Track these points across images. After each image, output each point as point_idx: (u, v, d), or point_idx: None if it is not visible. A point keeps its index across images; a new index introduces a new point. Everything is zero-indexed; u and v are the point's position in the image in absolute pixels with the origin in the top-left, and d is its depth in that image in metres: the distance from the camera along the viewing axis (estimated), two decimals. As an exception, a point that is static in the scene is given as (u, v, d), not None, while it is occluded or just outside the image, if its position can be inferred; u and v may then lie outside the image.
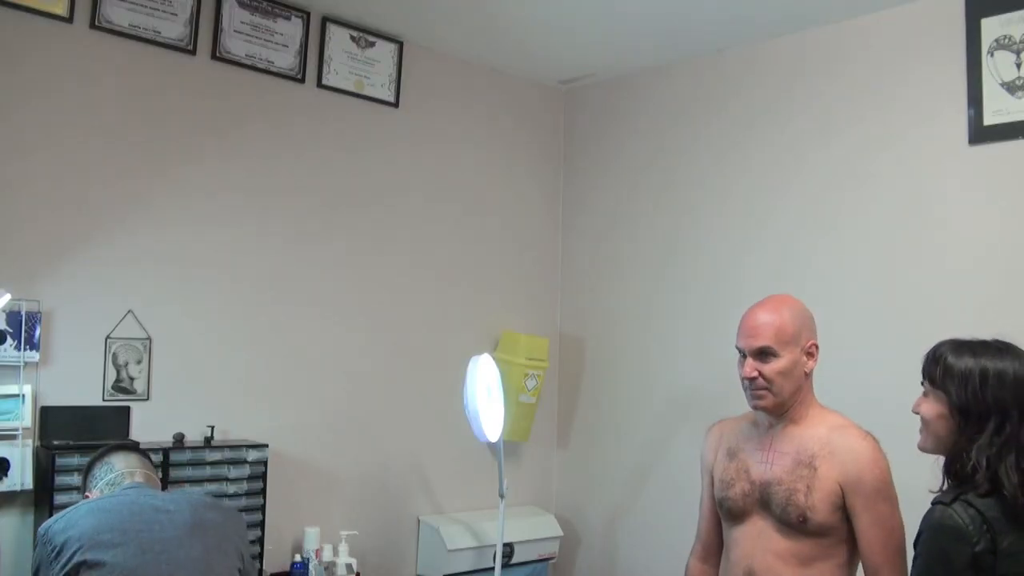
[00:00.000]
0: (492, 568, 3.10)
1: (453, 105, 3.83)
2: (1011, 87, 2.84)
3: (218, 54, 3.15)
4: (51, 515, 2.13)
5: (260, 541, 2.96)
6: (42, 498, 2.63)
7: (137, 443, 2.49)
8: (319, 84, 3.41)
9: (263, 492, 2.98)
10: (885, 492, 1.99)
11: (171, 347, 3.01)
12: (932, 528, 1.68)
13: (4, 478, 2.61)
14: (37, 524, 2.59)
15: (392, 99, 3.61)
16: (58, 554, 1.88)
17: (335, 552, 3.24)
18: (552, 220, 4.20)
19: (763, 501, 2.11)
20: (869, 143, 3.16)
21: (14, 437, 2.64)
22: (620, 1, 3.20)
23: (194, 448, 2.89)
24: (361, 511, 3.46)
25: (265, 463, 3.00)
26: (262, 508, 2.97)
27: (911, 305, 3.00)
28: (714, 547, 2.32)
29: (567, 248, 4.19)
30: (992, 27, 2.88)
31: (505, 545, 3.36)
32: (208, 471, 2.88)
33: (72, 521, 1.93)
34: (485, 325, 3.88)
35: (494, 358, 2.94)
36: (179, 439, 2.89)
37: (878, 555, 1.98)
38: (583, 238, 4.12)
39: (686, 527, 2.43)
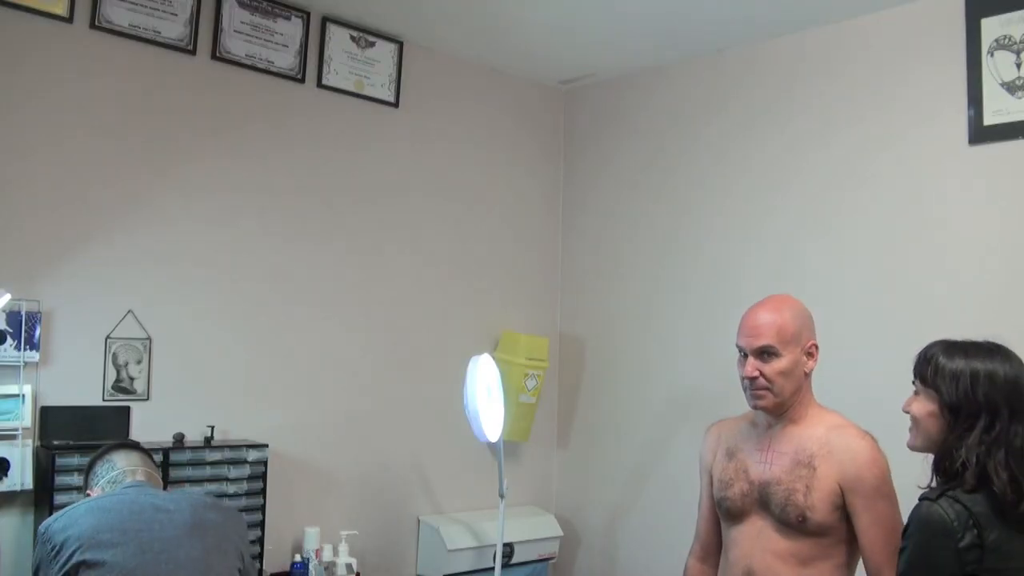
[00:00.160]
0: (492, 568, 3.10)
1: (453, 105, 3.83)
2: (1011, 87, 2.84)
3: (218, 54, 3.15)
4: (51, 515, 2.13)
5: (260, 541, 2.96)
6: (42, 498, 2.63)
7: (138, 442, 2.48)
8: (319, 84, 3.41)
9: (263, 492, 2.98)
10: (885, 491, 2.00)
11: (171, 347, 3.01)
12: (918, 523, 1.70)
13: (4, 478, 2.61)
14: (37, 524, 2.58)
15: (392, 99, 3.61)
16: (57, 553, 1.89)
17: (335, 552, 3.24)
18: (552, 220, 4.20)
19: (762, 501, 2.11)
20: (869, 143, 3.16)
21: (14, 437, 2.64)
22: (620, 1, 3.20)
23: (194, 448, 2.89)
24: (361, 511, 3.46)
25: (265, 463, 3.00)
26: (262, 508, 2.97)
27: (911, 305, 3.00)
28: (713, 547, 2.32)
29: (567, 248, 4.19)
30: (992, 27, 2.88)
31: (505, 545, 3.36)
32: (208, 471, 2.88)
33: (72, 520, 1.93)
34: (485, 325, 3.88)
35: (494, 358, 2.94)
36: (179, 439, 2.89)
37: (879, 554, 1.98)
38: (583, 238, 4.12)
39: (686, 527, 2.43)
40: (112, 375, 2.89)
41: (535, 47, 3.72)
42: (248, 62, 3.22)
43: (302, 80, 3.36)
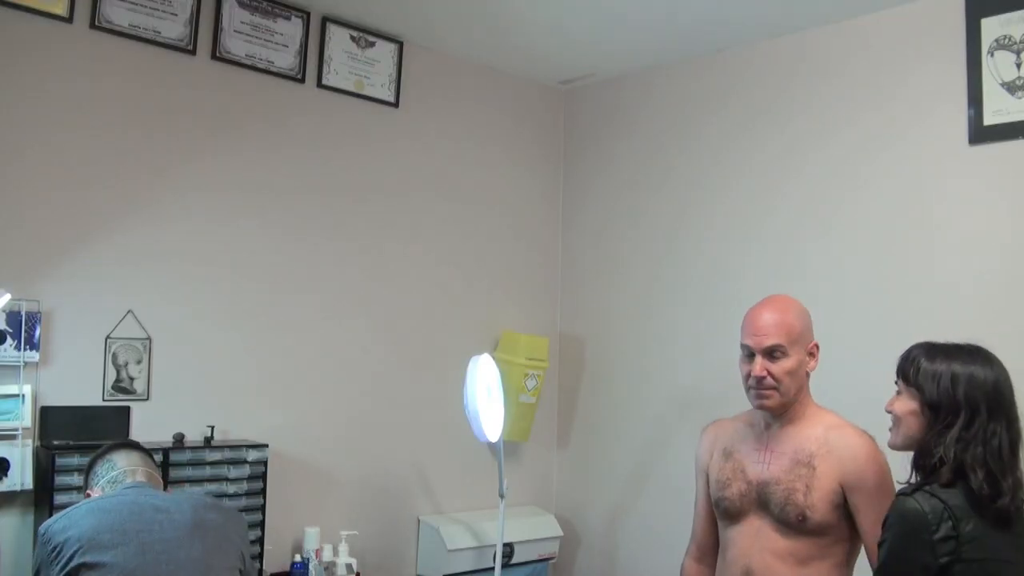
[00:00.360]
0: (492, 568, 3.10)
1: (453, 105, 3.83)
2: (1011, 87, 2.84)
3: (218, 54, 3.15)
4: (51, 515, 2.13)
5: (260, 541, 2.96)
6: (42, 498, 2.63)
7: (138, 442, 2.47)
8: (319, 84, 3.41)
9: (263, 492, 2.98)
10: (886, 488, 2.00)
11: (171, 347, 3.01)
12: (895, 517, 1.76)
13: (4, 478, 2.61)
14: (37, 524, 2.58)
15: (392, 99, 3.61)
16: (58, 554, 1.88)
17: (335, 552, 3.24)
18: (552, 220, 4.20)
19: (761, 501, 2.11)
20: (869, 143, 3.16)
21: (14, 437, 2.64)
22: (620, 1, 3.20)
23: (194, 448, 2.89)
24: (361, 511, 3.46)
25: (265, 463, 3.00)
26: (262, 508, 2.97)
27: (910, 305, 3.00)
28: (709, 547, 2.32)
29: (567, 248, 4.19)
30: (992, 27, 2.88)
31: (505, 545, 3.36)
32: (208, 471, 2.88)
33: (72, 521, 1.93)
34: (485, 325, 3.88)
35: (494, 358, 2.94)
36: (179, 439, 2.89)
37: None
38: (583, 238, 4.12)
39: (686, 527, 2.43)
40: (112, 375, 2.89)
41: (535, 47, 3.72)
42: (248, 62, 3.22)
43: (302, 80, 3.36)
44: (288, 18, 3.32)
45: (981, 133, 2.89)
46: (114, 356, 2.89)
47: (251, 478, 2.96)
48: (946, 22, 2.99)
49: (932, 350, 1.86)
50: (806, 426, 2.12)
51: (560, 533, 3.82)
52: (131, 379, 2.92)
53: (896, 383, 1.91)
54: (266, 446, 3.03)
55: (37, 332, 2.71)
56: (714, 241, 3.59)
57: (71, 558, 1.87)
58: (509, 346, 3.80)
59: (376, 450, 3.53)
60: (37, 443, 2.70)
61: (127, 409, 2.90)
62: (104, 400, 2.87)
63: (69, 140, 2.84)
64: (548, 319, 4.14)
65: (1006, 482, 1.73)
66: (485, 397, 2.83)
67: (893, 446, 1.91)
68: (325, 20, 3.41)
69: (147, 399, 2.95)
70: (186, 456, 2.85)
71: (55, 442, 2.69)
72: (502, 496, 2.96)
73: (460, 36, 3.63)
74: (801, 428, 2.12)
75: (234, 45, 3.18)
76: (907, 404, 1.85)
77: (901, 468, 1.93)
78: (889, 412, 1.90)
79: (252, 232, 3.22)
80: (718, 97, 3.64)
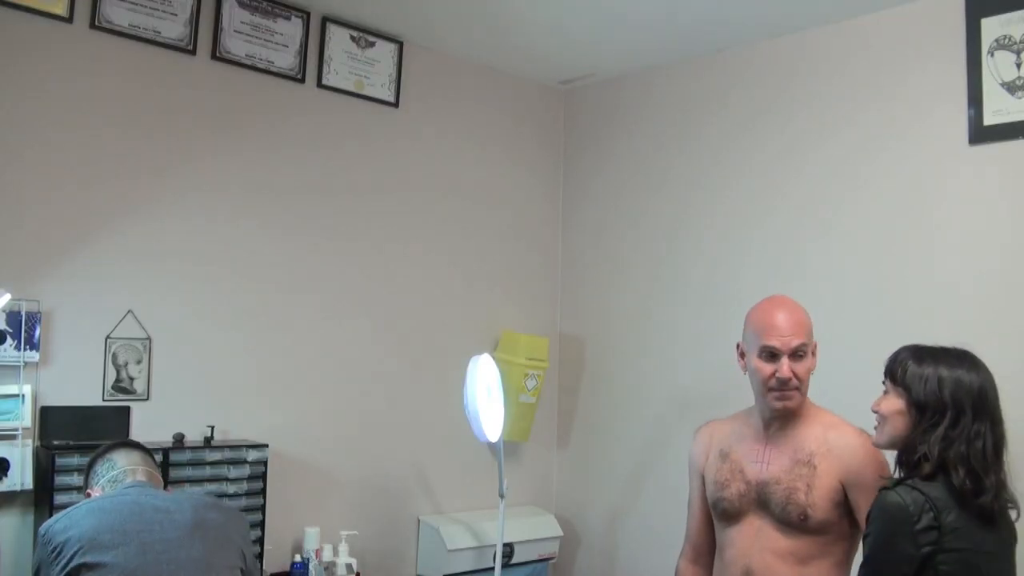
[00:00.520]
0: (492, 568, 3.10)
1: (453, 105, 3.83)
2: (1011, 87, 2.84)
3: (218, 54, 3.15)
4: (51, 515, 2.13)
5: (260, 541, 2.96)
6: (42, 498, 2.63)
7: (139, 441, 2.46)
8: (319, 84, 3.41)
9: (263, 492, 2.98)
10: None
11: (171, 347, 3.01)
12: (878, 510, 1.80)
13: (4, 478, 2.61)
14: (37, 524, 2.58)
15: (392, 99, 3.61)
16: (58, 554, 1.88)
17: (335, 552, 3.24)
18: (552, 220, 4.20)
19: (760, 501, 2.11)
20: (869, 143, 3.16)
21: (14, 437, 2.64)
22: (620, 1, 3.20)
23: (194, 448, 2.89)
24: (361, 511, 3.46)
25: (265, 463, 3.00)
26: (262, 508, 2.97)
27: (910, 305, 3.00)
28: (704, 548, 2.32)
29: (567, 248, 4.19)
30: (992, 27, 2.88)
31: (505, 545, 3.36)
32: (208, 471, 2.88)
33: (73, 521, 1.92)
34: (485, 325, 3.88)
35: (494, 358, 2.94)
36: (179, 439, 2.89)
37: None
38: (583, 238, 4.12)
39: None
40: (112, 375, 2.89)
41: (535, 47, 3.72)
42: (248, 62, 3.22)
43: (302, 80, 3.36)
44: (288, 18, 3.32)
45: (981, 133, 2.89)
46: (114, 356, 2.89)
47: (251, 478, 2.96)
48: (946, 22, 2.99)
49: (920, 353, 1.90)
50: (805, 425, 2.13)
51: (560, 533, 3.82)
52: (131, 379, 2.92)
53: (883, 383, 1.95)
54: (266, 446, 3.03)
55: (37, 332, 2.71)
56: (714, 241, 3.59)
57: (71, 558, 1.87)
58: (509, 346, 3.80)
59: (376, 450, 3.52)
60: (37, 443, 2.70)
61: (127, 409, 2.90)
62: (104, 400, 2.87)
63: (69, 140, 2.84)
64: (548, 319, 4.14)
65: (988, 480, 1.77)
66: (485, 397, 2.83)
67: (877, 444, 1.95)
68: (325, 20, 3.41)
69: (147, 399, 2.95)
70: (186, 456, 2.85)
71: (55, 442, 2.69)
72: (502, 496, 2.96)
73: (460, 36, 3.63)
74: (800, 427, 2.13)
75: (234, 45, 3.18)
76: (894, 404, 1.89)
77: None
78: (875, 412, 1.94)
79: (252, 232, 3.22)
80: (718, 97, 3.64)
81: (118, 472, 2.14)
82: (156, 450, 2.70)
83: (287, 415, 3.27)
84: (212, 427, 3.00)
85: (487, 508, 3.67)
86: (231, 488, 2.91)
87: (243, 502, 2.92)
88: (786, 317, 2.10)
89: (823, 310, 2.32)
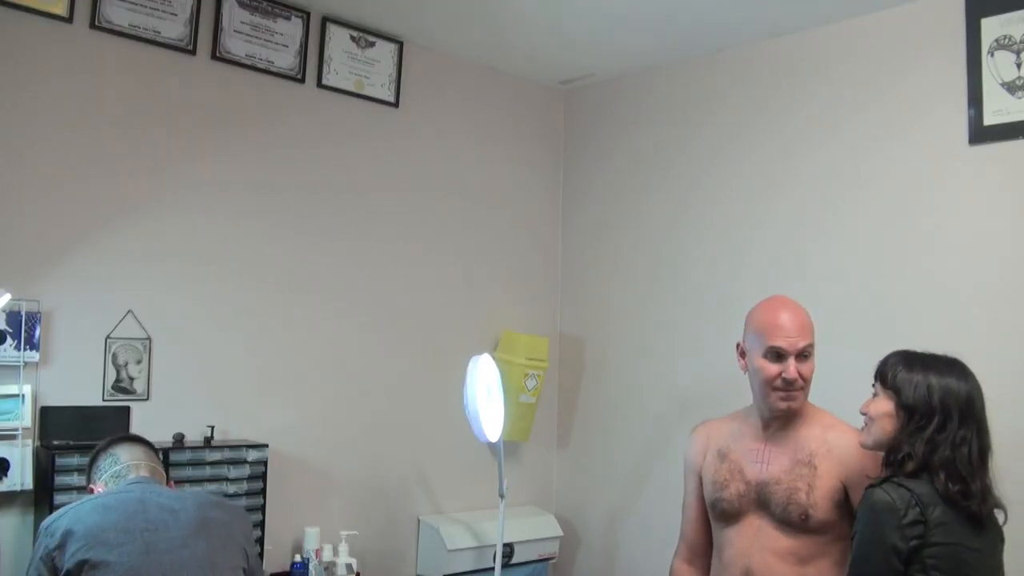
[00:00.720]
0: (492, 568, 3.10)
1: (453, 105, 3.83)
2: (1011, 87, 2.84)
3: (218, 54, 3.15)
4: (51, 514, 2.12)
5: (260, 541, 2.95)
6: (42, 498, 2.63)
7: (141, 436, 2.44)
8: (319, 84, 3.41)
9: (263, 492, 2.98)
10: None
11: (171, 347, 3.01)
12: (864, 508, 1.84)
13: (4, 478, 2.61)
14: (37, 524, 2.58)
15: (392, 99, 3.61)
16: (61, 548, 1.87)
17: (335, 552, 3.24)
18: (552, 220, 4.20)
19: (760, 501, 2.11)
20: (868, 143, 3.16)
21: (14, 437, 2.64)
22: (620, 1, 3.20)
23: (194, 448, 2.89)
24: (361, 511, 3.46)
25: (265, 463, 3.00)
26: (262, 508, 2.97)
27: (910, 305, 3.00)
28: (700, 548, 2.32)
29: (567, 248, 4.19)
30: (992, 27, 2.88)
31: (505, 545, 3.36)
32: (208, 471, 2.88)
33: (77, 517, 1.91)
34: (485, 325, 3.88)
35: (494, 358, 2.94)
36: (179, 439, 2.89)
37: None
38: (583, 238, 4.12)
39: (686, 527, 2.43)
40: (112, 375, 2.89)
41: (535, 47, 3.72)
42: (248, 62, 3.22)
43: (302, 80, 3.36)
44: (288, 18, 3.32)
45: (981, 133, 2.89)
46: (114, 356, 2.89)
47: (251, 478, 2.96)
48: (946, 22, 2.98)
49: (910, 358, 1.94)
50: (804, 425, 2.13)
51: (560, 533, 3.82)
52: (131, 379, 2.92)
53: (873, 386, 1.98)
54: (266, 446, 3.03)
55: (37, 332, 2.71)
56: (714, 241, 3.59)
57: (74, 554, 1.86)
58: (509, 346, 3.80)
59: (376, 450, 3.52)
60: (37, 443, 2.70)
61: (127, 409, 2.90)
62: (104, 400, 2.87)
63: (69, 140, 2.84)
64: (548, 319, 4.14)
65: (974, 485, 1.80)
66: (485, 397, 2.83)
67: (864, 445, 1.98)
68: (325, 20, 3.41)
69: (147, 399, 2.95)
70: (186, 456, 2.85)
71: (55, 442, 2.69)
72: (502, 496, 2.96)
73: (460, 36, 3.63)
74: (799, 428, 2.13)
75: (234, 45, 3.18)
76: (882, 406, 1.92)
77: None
78: (864, 414, 1.98)
79: (252, 232, 3.22)
80: (718, 97, 3.64)
81: (121, 467, 2.13)
82: (157, 451, 2.70)
83: (287, 415, 3.27)
84: (212, 427, 3.00)
85: (487, 508, 3.67)
86: (231, 488, 2.91)
87: (243, 502, 2.91)
88: (791, 318, 2.10)
89: (823, 310, 2.32)
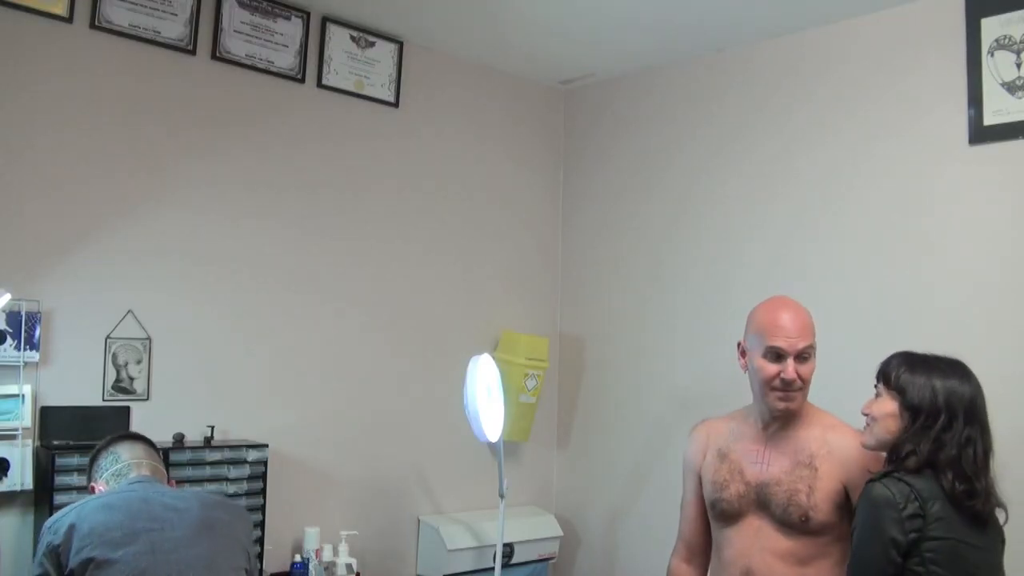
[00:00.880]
0: (492, 568, 3.10)
1: (453, 105, 3.83)
2: (1011, 87, 2.84)
3: (218, 54, 3.15)
4: (51, 515, 2.12)
5: (260, 541, 2.96)
6: (42, 498, 2.63)
7: (142, 434, 2.43)
8: (319, 84, 3.41)
9: (263, 492, 2.98)
10: None
11: (171, 347, 3.01)
12: (864, 502, 1.85)
13: (4, 478, 2.61)
14: (37, 524, 2.59)
15: (392, 99, 3.61)
16: (66, 545, 1.87)
17: (335, 552, 3.24)
18: (552, 220, 4.20)
19: (760, 502, 2.11)
20: (868, 143, 3.16)
21: (14, 437, 2.64)
22: (620, 1, 3.20)
23: (194, 448, 2.89)
24: (361, 511, 3.46)
25: (265, 463, 3.00)
26: (262, 508, 2.97)
27: (910, 305, 3.00)
28: (698, 548, 2.31)
29: (567, 248, 4.19)
30: (992, 27, 2.88)
31: (505, 545, 3.36)
32: (208, 471, 2.88)
33: (81, 515, 1.91)
34: (485, 325, 3.88)
35: (494, 358, 2.94)
36: (179, 439, 2.89)
37: None
38: (583, 238, 4.12)
39: (686, 527, 2.42)
40: (112, 375, 2.89)
41: (535, 47, 3.72)
42: (248, 62, 3.22)
43: (302, 80, 3.36)
44: (288, 18, 3.32)
45: (981, 133, 2.89)
46: (114, 356, 2.89)
47: (251, 478, 2.96)
48: (946, 22, 2.98)
49: (913, 360, 1.94)
50: (804, 426, 2.13)
51: (560, 533, 3.82)
52: (131, 379, 2.92)
53: (876, 386, 1.98)
54: (266, 446, 3.03)
55: (37, 332, 2.71)
56: (714, 240, 3.59)
57: (80, 551, 1.85)
58: (509, 346, 3.80)
59: (376, 450, 3.52)
60: (37, 443, 2.70)
61: (127, 409, 2.90)
62: (104, 400, 2.87)
63: (69, 140, 2.84)
64: (548, 319, 4.14)
65: (979, 484, 1.81)
66: (485, 397, 2.83)
67: (866, 445, 1.98)
68: (325, 20, 3.41)
69: (147, 399, 2.95)
70: (186, 456, 2.85)
71: (55, 442, 2.69)
72: (502, 496, 2.96)
73: (460, 36, 3.63)
74: (800, 428, 2.13)
75: (234, 45, 3.18)
76: (886, 406, 1.92)
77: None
78: (866, 414, 1.97)
79: (252, 232, 3.22)
80: (718, 97, 3.64)
81: (122, 466, 2.13)
82: (157, 448, 2.70)
83: (287, 415, 3.27)
84: (212, 427, 3.00)
85: (487, 508, 3.67)
86: (231, 488, 2.91)
87: (243, 502, 2.91)
88: (792, 318, 2.09)
89: (822, 309, 2.32)
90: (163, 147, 3.02)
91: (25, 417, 2.67)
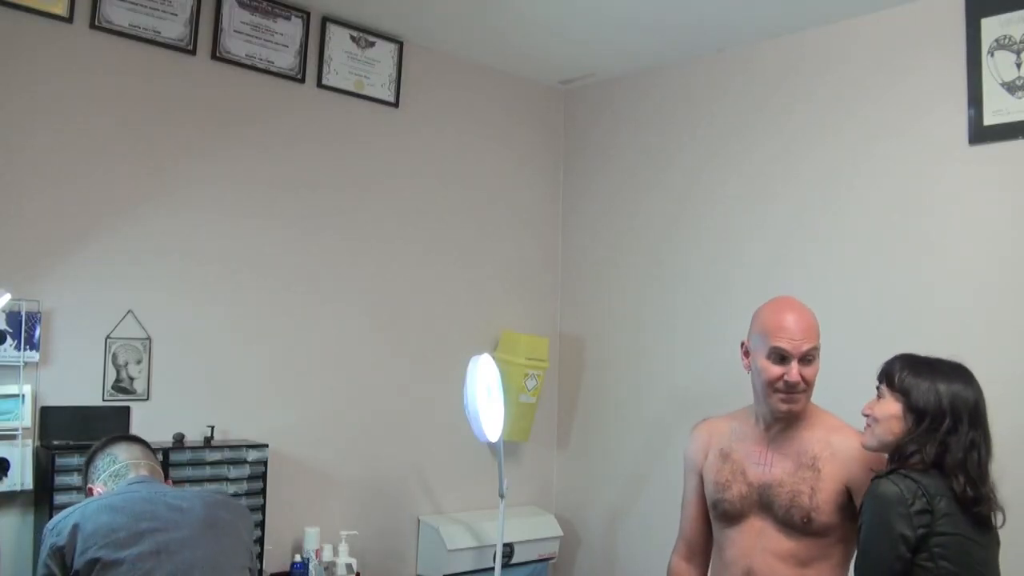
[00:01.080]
0: (492, 568, 3.10)
1: (453, 105, 3.83)
2: (1011, 87, 2.84)
3: (218, 54, 3.15)
4: (51, 515, 2.12)
5: (260, 541, 2.95)
6: (42, 498, 2.63)
7: (138, 435, 2.44)
8: (319, 84, 3.41)
9: (263, 492, 2.98)
10: None
11: (171, 347, 3.01)
12: (871, 499, 1.84)
13: (4, 478, 2.61)
14: (37, 524, 2.59)
15: (392, 99, 3.61)
16: (70, 545, 1.86)
17: (335, 552, 3.24)
18: (552, 220, 4.20)
19: (763, 503, 2.10)
20: (868, 143, 3.16)
21: (14, 437, 2.64)
22: (620, 1, 3.20)
23: (194, 448, 2.89)
24: (361, 511, 3.46)
25: (265, 463, 3.00)
26: (262, 508, 2.97)
27: (910, 305, 3.00)
28: (699, 547, 2.31)
29: (567, 248, 4.19)
30: (992, 27, 2.88)
31: (505, 545, 3.36)
32: (208, 471, 2.88)
33: (84, 516, 1.91)
34: (485, 325, 3.88)
35: (494, 358, 2.94)
36: (179, 439, 2.89)
37: None
38: (583, 238, 4.12)
39: (686, 527, 2.42)
40: (112, 375, 2.89)
41: (535, 47, 3.72)
42: (248, 62, 3.22)
43: (302, 80, 3.36)
44: (288, 18, 3.31)
45: (981, 133, 2.89)
46: (114, 356, 2.89)
47: (251, 478, 2.96)
48: (946, 22, 2.99)
49: (916, 362, 1.93)
50: (807, 428, 2.12)
51: (560, 533, 3.82)
52: (131, 379, 2.92)
53: (877, 388, 1.96)
54: (266, 446, 3.03)
55: (37, 332, 2.71)
56: (714, 240, 3.59)
57: (85, 551, 1.85)
58: (509, 346, 3.80)
59: (376, 450, 3.52)
60: (37, 443, 2.70)
61: (127, 409, 2.90)
62: (104, 400, 2.87)
63: (69, 140, 2.84)
64: (548, 319, 4.14)
65: (984, 488, 1.82)
66: (485, 397, 2.83)
67: (867, 446, 1.97)
68: (325, 20, 3.41)
69: (147, 399, 2.95)
70: (186, 456, 2.85)
71: (55, 442, 2.69)
72: (502, 496, 2.96)
73: (460, 36, 3.63)
74: (802, 430, 2.12)
75: (234, 45, 3.18)
76: (889, 407, 1.91)
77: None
78: (867, 415, 1.96)
79: (252, 232, 3.22)
80: (717, 97, 3.64)
81: (120, 467, 2.12)
82: (156, 450, 2.69)
83: (287, 415, 3.27)
84: (212, 427, 3.00)
85: (487, 508, 3.67)
86: (231, 488, 2.90)
87: (243, 502, 2.91)
88: (797, 320, 2.08)
89: (822, 310, 2.31)
90: (163, 147, 3.02)
91: (25, 417, 2.67)
